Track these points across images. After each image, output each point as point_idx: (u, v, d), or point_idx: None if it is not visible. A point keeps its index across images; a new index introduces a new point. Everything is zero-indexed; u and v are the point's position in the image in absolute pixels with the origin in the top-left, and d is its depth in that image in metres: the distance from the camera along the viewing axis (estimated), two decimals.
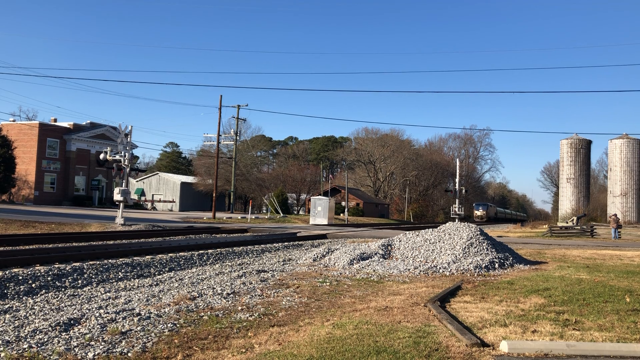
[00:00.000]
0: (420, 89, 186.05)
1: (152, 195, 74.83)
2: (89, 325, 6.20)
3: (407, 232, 15.87)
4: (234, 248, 17.71)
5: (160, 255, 14.35)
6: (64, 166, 60.51)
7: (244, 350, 5.30)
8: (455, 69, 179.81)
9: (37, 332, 5.88)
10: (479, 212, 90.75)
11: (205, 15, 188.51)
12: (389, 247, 14.59)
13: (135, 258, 13.44)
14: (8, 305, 7.73)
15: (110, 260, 12.65)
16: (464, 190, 43.13)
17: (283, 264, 13.35)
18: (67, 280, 10.08)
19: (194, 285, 9.56)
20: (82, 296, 8.69)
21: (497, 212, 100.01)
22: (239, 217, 48.28)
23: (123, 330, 5.98)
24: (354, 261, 13.00)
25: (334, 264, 13.03)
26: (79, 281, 10.17)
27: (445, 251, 13.65)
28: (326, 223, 46.65)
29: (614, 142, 57.50)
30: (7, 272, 9.94)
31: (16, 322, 6.50)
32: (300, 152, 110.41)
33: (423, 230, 15.37)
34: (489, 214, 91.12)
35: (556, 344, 5.44)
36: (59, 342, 5.50)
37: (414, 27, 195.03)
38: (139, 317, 6.64)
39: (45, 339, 5.59)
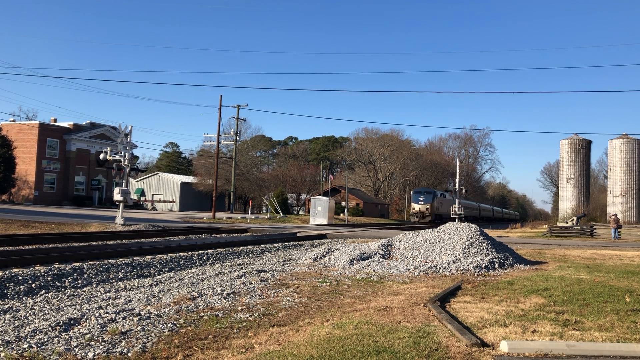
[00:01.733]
0: (420, 89, 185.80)
1: (152, 195, 74.80)
2: (89, 325, 6.20)
3: (407, 232, 15.87)
4: (234, 248, 17.71)
5: (160, 255, 14.35)
6: (63, 166, 60.52)
7: (244, 350, 5.30)
8: (456, 69, 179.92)
9: (37, 332, 5.88)
10: (418, 206, 55.74)
11: (206, 15, 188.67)
12: (389, 247, 14.59)
13: (135, 258, 13.44)
14: (8, 305, 7.73)
15: (110, 260, 12.65)
16: (464, 190, 43.15)
17: (283, 264, 13.35)
18: (67, 281, 10.08)
19: (194, 285, 9.56)
20: (82, 296, 8.69)
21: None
22: (239, 217, 48.28)
23: (123, 330, 5.97)
24: (354, 261, 13.00)
25: (334, 264, 13.02)
26: (79, 281, 10.17)
27: (445, 251, 13.65)
28: (326, 223, 46.63)
29: (614, 142, 57.49)
30: (7, 272, 9.94)
31: (16, 322, 6.49)
32: (300, 152, 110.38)
33: (423, 231, 15.37)
34: (435, 210, 54.22)
35: (556, 344, 5.44)
36: (59, 342, 5.50)
37: (414, 26, 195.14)
38: (139, 317, 6.64)
39: (45, 339, 5.59)
